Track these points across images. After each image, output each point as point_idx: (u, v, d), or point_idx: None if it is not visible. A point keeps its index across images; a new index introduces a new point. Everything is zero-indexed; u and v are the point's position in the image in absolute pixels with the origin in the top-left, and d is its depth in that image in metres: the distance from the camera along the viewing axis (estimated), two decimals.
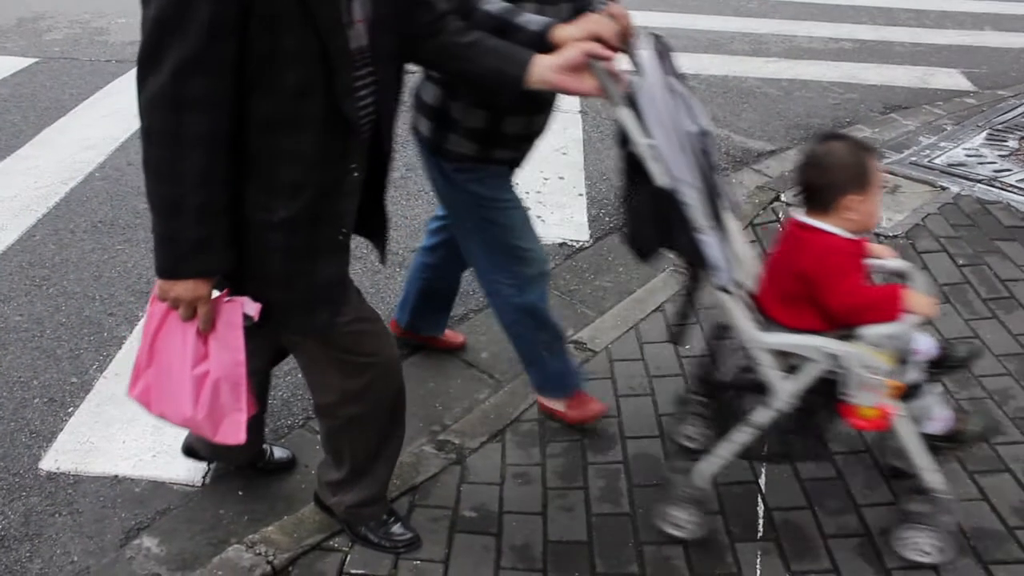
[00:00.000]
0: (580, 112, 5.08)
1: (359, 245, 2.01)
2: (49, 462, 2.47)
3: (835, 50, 6.49)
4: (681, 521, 2.13)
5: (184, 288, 1.56)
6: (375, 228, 1.90)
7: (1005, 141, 4.58)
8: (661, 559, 2.11)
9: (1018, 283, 3.26)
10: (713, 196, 1.75)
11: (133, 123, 4.80)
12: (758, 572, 2.06)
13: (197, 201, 1.48)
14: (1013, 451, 2.42)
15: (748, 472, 2.35)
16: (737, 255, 2.00)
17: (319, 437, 2.27)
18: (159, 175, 1.48)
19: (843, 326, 1.90)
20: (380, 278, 3.38)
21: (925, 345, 2.07)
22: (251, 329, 1.66)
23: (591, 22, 1.76)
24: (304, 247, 1.63)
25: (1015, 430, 2.50)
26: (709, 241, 1.76)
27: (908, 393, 1.96)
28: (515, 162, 2.28)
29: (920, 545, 2.05)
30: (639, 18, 1.96)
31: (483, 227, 2.25)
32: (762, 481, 2.32)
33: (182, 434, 2.56)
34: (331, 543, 2.13)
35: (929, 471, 2.01)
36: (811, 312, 1.93)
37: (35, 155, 4.42)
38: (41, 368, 2.87)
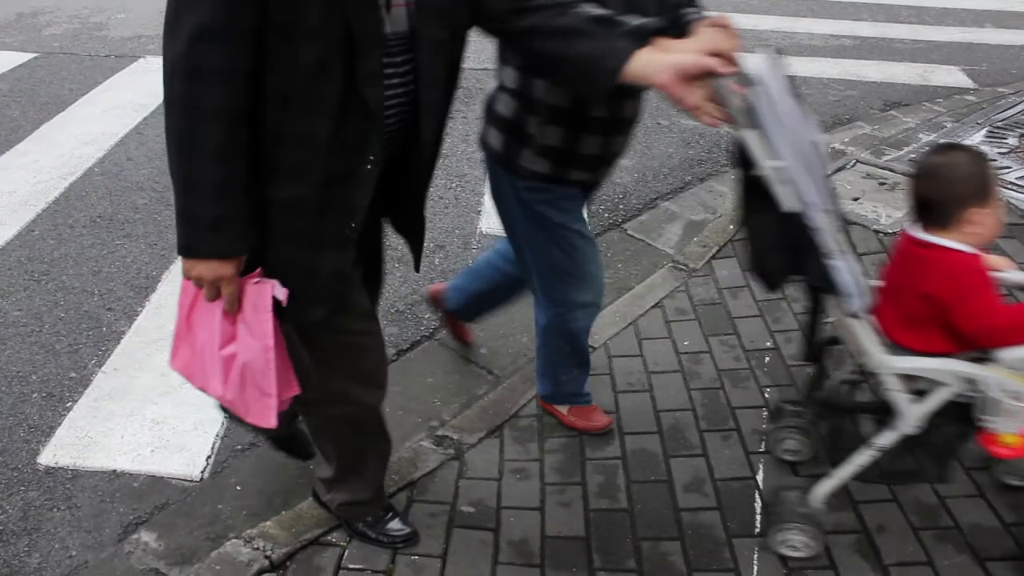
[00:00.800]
0: None
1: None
2: (47, 457, 2.47)
3: (835, 47, 6.48)
4: (798, 543, 2.05)
5: (205, 267, 1.49)
6: (412, 231, 1.83)
7: (1005, 139, 4.57)
8: (658, 555, 2.11)
9: None
10: (837, 215, 1.66)
11: (132, 118, 4.81)
12: (755, 568, 2.06)
13: (213, 177, 1.41)
14: None
15: (746, 468, 2.35)
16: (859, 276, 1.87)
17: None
18: (179, 148, 1.42)
19: (975, 348, 1.81)
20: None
21: None
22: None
23: (711, 37, 1.53)
24: (306, 235, 1.56)
25: None
26: (840, 266, 1.67)
27: None
28: (590, 185, 2.17)
29: None
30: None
31: (546, 249, 2.16)
32: (759, 477, 2.33)
33: (181, 429, 2.57)
34: (329, 538, 2.14)
35: None
36: (939, 334, 1.83)
37: (34, 150, 4.43)
38: (40, 363, 2.87)
